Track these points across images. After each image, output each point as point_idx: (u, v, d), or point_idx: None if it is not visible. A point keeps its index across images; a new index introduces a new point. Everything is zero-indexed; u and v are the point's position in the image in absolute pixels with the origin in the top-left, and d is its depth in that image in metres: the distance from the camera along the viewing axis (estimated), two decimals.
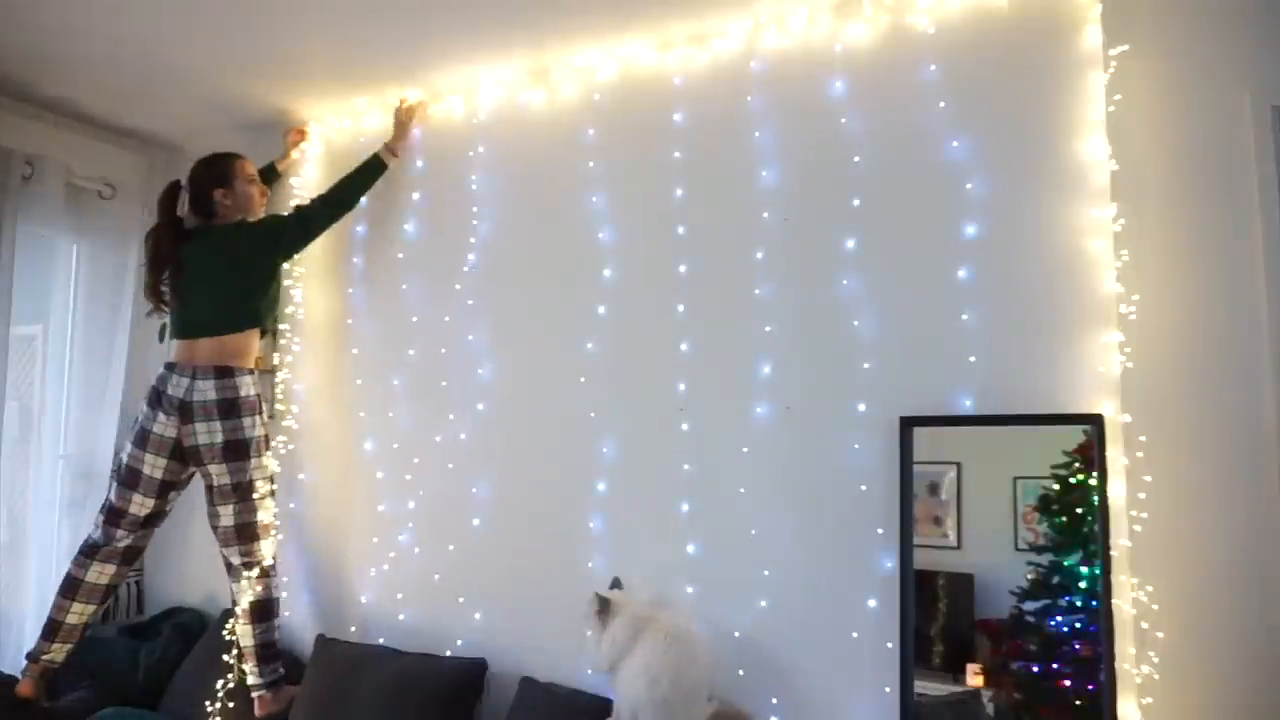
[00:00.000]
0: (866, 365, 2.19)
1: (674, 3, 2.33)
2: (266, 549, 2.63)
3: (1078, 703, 1.87)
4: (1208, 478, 1.91)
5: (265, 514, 2.62)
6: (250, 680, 2.59)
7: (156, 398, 2.55)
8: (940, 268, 2.14)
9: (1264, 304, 1.88)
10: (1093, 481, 1.91)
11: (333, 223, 2.79)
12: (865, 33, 2.29)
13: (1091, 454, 1.91)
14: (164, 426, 2.52)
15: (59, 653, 2.53)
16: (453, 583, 2.68)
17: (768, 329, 2.32)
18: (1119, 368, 1.94)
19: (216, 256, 2.64)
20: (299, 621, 2.92)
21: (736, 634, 2.25)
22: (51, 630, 2.53)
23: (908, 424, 2.10)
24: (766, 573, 2.24)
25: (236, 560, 2.59)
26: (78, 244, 3.16)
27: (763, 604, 2.24)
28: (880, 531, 2.13)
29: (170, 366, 2.57)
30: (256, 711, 2.57)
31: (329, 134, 3.13)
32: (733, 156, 2.41)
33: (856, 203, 2.24)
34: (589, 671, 2.35)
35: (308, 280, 3.09)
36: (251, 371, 2.62)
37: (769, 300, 2.33)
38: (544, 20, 2.43)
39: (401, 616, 2.75)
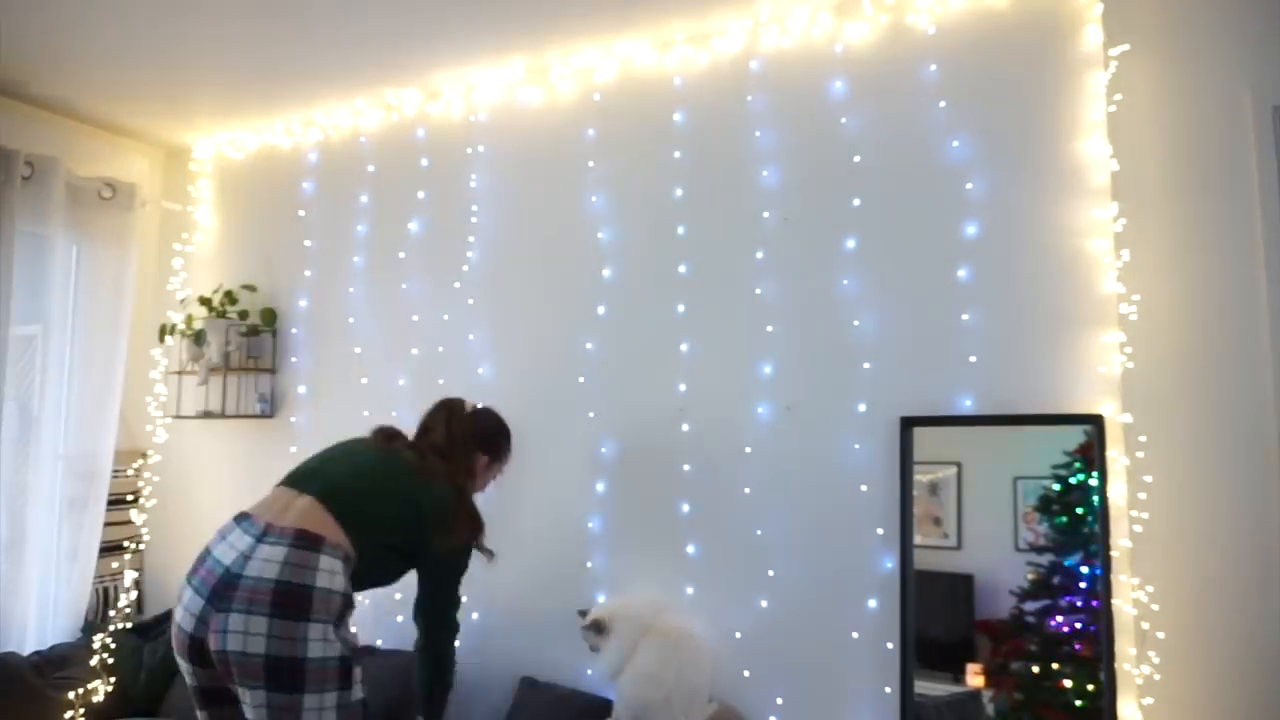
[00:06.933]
0: (867, 365, 2.19)
1: (674, 3, 2.33)
2: None
3: (1078, 703, 1.87)
4: (1208, 478, 1.91)
5: None
6: None
7: None
8: (940, 268, 2.14)
9: (1264, 304, 1.88)
10: (1093, 482, 1.91)
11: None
12: (865, 33, 2.29)
13: (1092, 454, 1.91)
14: None
15: None
16: None
17: (768, 329, 2.32)
18: (1119, 368, 1.94)
19: (391, 479, 2.02)
20: None
21: (737, 634, 2.25)
22: None
23: (908, 424, 2.10)
24: (769, 573, 2.25)
25: None
26: (78, 244, 3.15)
27: (763, 604, 2.24)
28: (880, 531, 2.13)
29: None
30: None
31: (329, 134, 3.13)
32: (733, 156, 2.41)
33: (856, 203, 2.24)
34: (589, 672, 2.36)
35: (312, 278, 3.10)
36: None
37: (769, 300, 2.33)
38: (543, 20, 2.43)
39: (401, 617, 2.75)
